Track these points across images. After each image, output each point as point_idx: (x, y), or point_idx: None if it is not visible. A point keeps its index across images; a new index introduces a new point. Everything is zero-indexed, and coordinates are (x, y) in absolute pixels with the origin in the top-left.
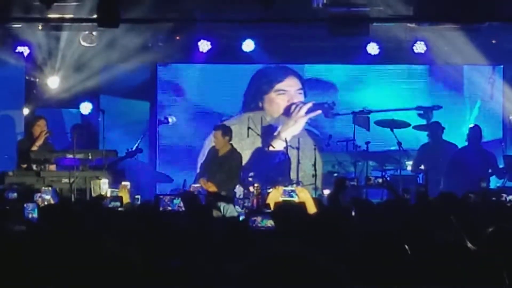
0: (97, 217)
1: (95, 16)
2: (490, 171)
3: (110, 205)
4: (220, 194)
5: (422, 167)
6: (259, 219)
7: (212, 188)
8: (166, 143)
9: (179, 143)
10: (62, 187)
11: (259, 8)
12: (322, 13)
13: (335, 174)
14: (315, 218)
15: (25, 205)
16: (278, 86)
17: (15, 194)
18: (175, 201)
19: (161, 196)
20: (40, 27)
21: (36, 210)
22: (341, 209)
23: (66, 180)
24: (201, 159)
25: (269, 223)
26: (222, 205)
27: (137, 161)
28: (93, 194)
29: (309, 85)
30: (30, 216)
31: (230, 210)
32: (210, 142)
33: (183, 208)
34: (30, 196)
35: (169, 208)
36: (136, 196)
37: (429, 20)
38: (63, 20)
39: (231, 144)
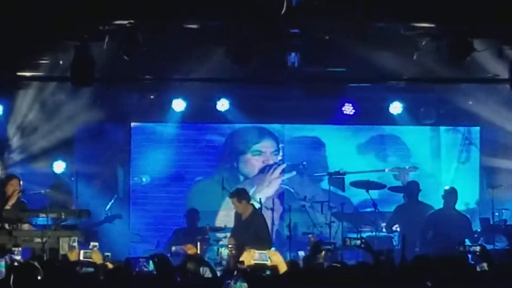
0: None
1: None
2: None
3: (82, 271)
4: (200, 257)
5: (396, 227)
6: (232, 282)
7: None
8: (139, 203)
9: (152, 203)
10: (35, 247)
11: (234, 68)
12: (298, 73)
13: (310, 235)
14: (288, 279)
15: None
16: (255, 147)
17: None
18: (150, 263)
19: (134, 259)
20: (14, 85)
21: (1, 265)
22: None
23: (39, 240)
24: (221, 221)
25: (243, 286)
26: (199, 266)
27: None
28: (62, 252)
29: (284, 145)
30: None
31: (207, 272)
32: (226, 205)
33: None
34: (1, 255)
35: (145, 269)
36: (106, 254)
37: (405, 80)
38: (37, 78)
39: (252, 205)
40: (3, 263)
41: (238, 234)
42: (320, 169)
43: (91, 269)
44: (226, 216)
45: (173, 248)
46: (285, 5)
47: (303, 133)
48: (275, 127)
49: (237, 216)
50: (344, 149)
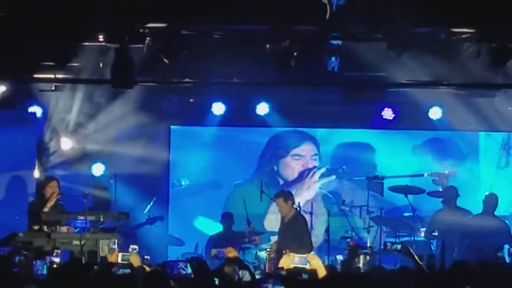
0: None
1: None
2: (501, 240)
3: (119, 272)
4: (239, 260)
5: (436, 233)
6: (270, 285)
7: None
8: (178, 206)
9: (191, 206)
10: (73, 249)
11: (274, 71)
12: (337, 77)
13: (349, 240)
14: (326, 283)
15: (34, 262)
16: (295, 151)
17: (23, 258)
18: (189, 267)
19: (172, 262)
20: (53, 88)
21: (45, 267)
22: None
23: (77, 242)
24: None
25: None
26: (238, 270)
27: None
28: (101, 254)
29: (323, 149)
30: (39, 272)
31: (246, 275)
32: (274, 208)
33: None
34: (40, 258)
35: (183, 272)
36: (146, 257)
37: (445, 85)
38: (77, 80)
39: (296, 209)
40: (46, 265)
41: (280, 236)
42: (358, 174)
43: (127, 271)
44: (265, 220)
45: (213, 252)
46: (328, 9)
47: (341, 138)
48: (314, 131)
49: (281, 219)
50: (382, 154)
